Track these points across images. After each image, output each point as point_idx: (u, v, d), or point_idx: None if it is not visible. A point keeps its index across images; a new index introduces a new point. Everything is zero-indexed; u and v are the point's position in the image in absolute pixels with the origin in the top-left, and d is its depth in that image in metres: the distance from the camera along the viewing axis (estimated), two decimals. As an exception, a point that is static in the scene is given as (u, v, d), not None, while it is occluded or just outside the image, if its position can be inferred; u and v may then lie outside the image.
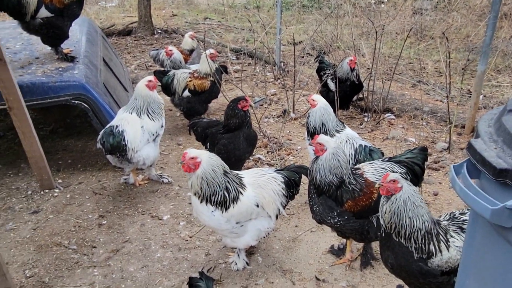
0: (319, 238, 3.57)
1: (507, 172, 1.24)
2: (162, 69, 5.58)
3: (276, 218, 3.14)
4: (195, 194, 2.88)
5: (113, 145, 3.72)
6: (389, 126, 5.52)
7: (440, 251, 2.36)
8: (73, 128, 5.45)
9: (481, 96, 5.36)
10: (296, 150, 4.96)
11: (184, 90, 5.10)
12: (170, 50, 5.59)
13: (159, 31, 9.56)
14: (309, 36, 7.51)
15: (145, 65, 7.67)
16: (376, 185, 2.52)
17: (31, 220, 3.76)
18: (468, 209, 2.61)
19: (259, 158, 4.74)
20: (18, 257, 3.34)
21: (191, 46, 6.22)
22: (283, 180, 3.13)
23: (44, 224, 3.71)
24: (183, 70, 5.29)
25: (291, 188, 3.17)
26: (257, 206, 2.97)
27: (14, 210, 3.88)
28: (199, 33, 8.57)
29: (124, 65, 6.75)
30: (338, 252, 3.37)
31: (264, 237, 3.22)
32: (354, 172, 2.99)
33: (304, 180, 3.29)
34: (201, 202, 2.87)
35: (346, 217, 2.92)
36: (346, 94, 5.34)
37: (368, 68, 6.58)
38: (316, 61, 6.02)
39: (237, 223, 2.93)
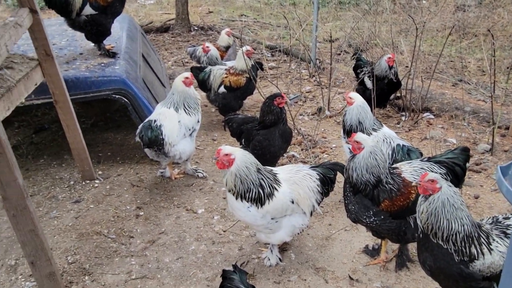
0: (353, 237, 3.53)
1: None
2: (199, 65, 5.66)
3: (311, 215, 3.14)
4: (229, 191, 2.92)
5: (151, 139, 3.82)
6: (428, 126, 5.37)
7: (483, 254, 2.28)
8: (113, 122, 5.63)
9: (527, 96, 5.12)
10: (331, 148, 4.91)
11: (220, 86, 5.16)
12: (207, 47, 5.67)
13: (196, 28, 9.69)
14: (346, 33, 7.39)
15: (182, 61, 7.80)
16: (413, 183, 2.46)
17: (73, 209, 3.92)
18: (512, 214, 2.51)
19: (293, 156, 4.73)
20: (61, 243, 3.50)
21: (227, 43, 6.28)
22: (318, 177, 3.13)
23: (85, 213, 3.86)
24: (219, 67, 5.35)
25: (326, 185, 3.16)
26: (292, 202, 2.98)
27: (57, 199, 4.07)
28: (235, 30, 8.62)
29: (162, 61, 6.90)
30: (372, 252, 3.32)
31: (298, 234, 3.23)
32: (391, 171, 2.93)
33: (339, 177, 3.27)
34: (236, 198, 2.91)
35: (382, 217, 2.88)
36: (383, 92, 5.24)
37: (407, 66, 6.42)
38: (353, 59, 5.93)
39: (272, 219, 2.95)
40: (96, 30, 4.44)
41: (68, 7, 4.21)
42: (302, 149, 4.89)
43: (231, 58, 6.04)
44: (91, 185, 4.27)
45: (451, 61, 7.24)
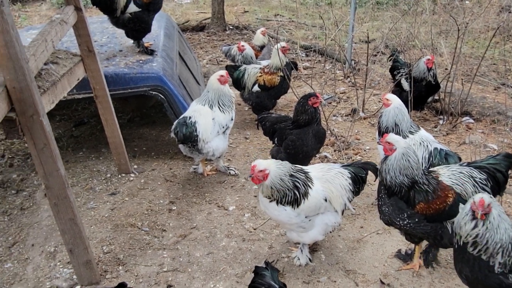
0: (385, 241, 3.47)
1: None
2: (234, 64, 5.71)
3: (342, 213, 3.13)
4: (265, 197, 2.95)
5: (186, 135, 3.88)
6: (467, 130, 5.19)
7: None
8: (148, 118, 5.76)
9: None
10: (364, 150, 4.84)
11: (254, 85, 5.18)
12: (243, 46, 5.71)
13: (231, 27, 9.77)
14: (383, 34, 7.25)
15: (217, 60, 7.89)
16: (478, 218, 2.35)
17: (109, 200, 4.05)
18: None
19: (326, 156, 4.69)
20: (97, 233, 3.62)
21: (262, 42, 6.30)
22: (350, 176, 3.13)
23: (121, 206, 3.97)
24: (254, 65, 5.38)
25: (357, 184, 3.16)
26: (325, 200, 2.99)
27: (95, 191, 4.21)
28: (270, 29, 8.63)
29: (197, 59, 7.00)
30: (405, 257, 3.25)
31: (330, 232, 3.22)
32: (428, 174, 2.86)
33: (371, 179, 3.21)
34: (270, 201, 2.93)
35: (416, 220, 2.81)
36: (421, 94, 5.11)
37: (446, 69, 6.23)
38: (390, 60, 5.82)
39: (306, 217, 2.96)
40: (139, 27, 4.57)
41: (113, 5, 4.35)
42: (334, 150, 4.84)
43: (265, 57, 6.05)
44: (127, 179, 4.39)
45: (494, 64, 6.97)
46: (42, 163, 2.66)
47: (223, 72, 4.23)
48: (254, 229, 3.65)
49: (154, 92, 4.37)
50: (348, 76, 6.81)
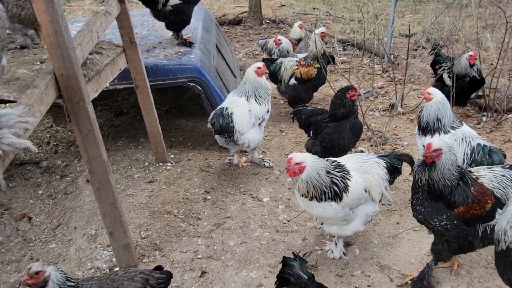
0: (422, 238, 3.38)
1: None
2: (270, 57, 5.71)
3: (379, 202, 3.12)
4: (302, 195, 2.95)
5: (222, 126, 3.93)
6: (513, 128, 4.97)
7: None
8: (185, 109, 5.87)
9: None
10: (402, 146, 4.73)
11: (290, 77, 5.17)
12: (279, 40, 5.70)
13: (267, 21, 9.76)
14: (425, 28, 7.03)
15: (253, 53, 7.91)
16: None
17: (147, 188, 4.17)
18: None
19: (362, 151, 4.62)
20: (135, 219, 3.74)
21: (299, 35, 6.26)
22: (385, 166, 3.12)
23: (158, 193, 4.08)
24: (290, 58, 5.36)
25: (392, 174, 3.16)
26: (365, 191, 2.98)
27: (133, 178, 4.34)
28: (307, 23, 8.56)
29: (233, 53, 7.05)
30: (443, 255, 3.15)
31: (369, 222, 3.22)
32: (469, 175, 2.75)
33: (406, 172, 3.15)
34: (310, 200, 2.92)
35: (455, 222, 2.71)
36: (464, 90, 4.92)
37: (491, 64, 5.97)
38: (431, 54, 5.63)
39: (349, 209, 2.97)
40: (179, 19, 4.66)
41: None
42: (371, 145, 4.76)
43: (302, 50, 6.01)
44: (164, 168, 4.50)
45: (544, 59, 6.60)
46: (87, 148, 2.77)
47: (260, 64, 4.24)
48: (288, 220, 3.66)
49: (191, 84, 4.45)
50: (387, 71, 6.66)
